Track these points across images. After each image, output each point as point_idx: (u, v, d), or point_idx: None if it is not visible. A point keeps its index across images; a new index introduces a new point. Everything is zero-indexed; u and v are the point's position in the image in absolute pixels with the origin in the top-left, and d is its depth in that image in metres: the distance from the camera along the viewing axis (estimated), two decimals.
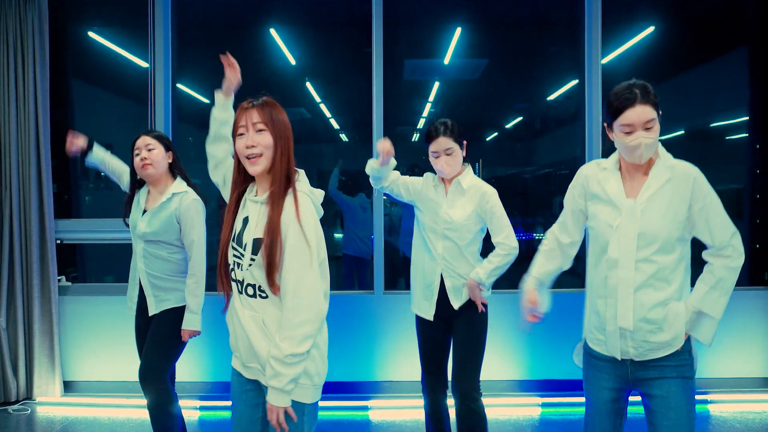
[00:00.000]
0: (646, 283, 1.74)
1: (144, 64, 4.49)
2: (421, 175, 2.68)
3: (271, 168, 1.65)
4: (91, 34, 4.45)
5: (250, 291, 1.66)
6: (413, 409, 3.63)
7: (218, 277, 1.73)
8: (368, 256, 4.94)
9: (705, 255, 1.81)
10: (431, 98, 5.48)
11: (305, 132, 5.44)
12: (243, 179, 1.73)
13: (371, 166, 2.60)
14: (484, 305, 2.53)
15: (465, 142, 2.55)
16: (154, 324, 2.53)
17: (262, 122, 1.63)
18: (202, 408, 3.66)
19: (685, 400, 1.75)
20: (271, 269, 1.59)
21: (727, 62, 4.41)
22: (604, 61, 4.39)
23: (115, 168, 2.80)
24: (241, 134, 1.64)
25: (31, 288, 3.81)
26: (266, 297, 1.65)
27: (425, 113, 5.66)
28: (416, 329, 2.68)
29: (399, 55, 4.53)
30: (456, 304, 2.53)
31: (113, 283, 4.13)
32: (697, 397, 3.66)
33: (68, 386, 3.95)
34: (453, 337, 2.59)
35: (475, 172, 5.71)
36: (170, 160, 2.55)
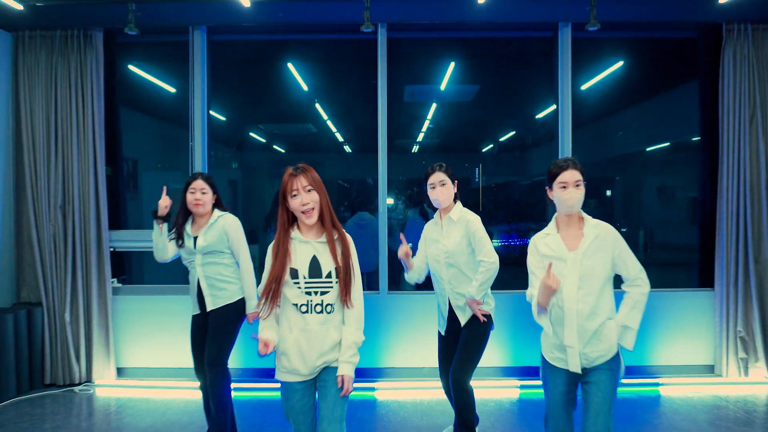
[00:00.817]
0: (589, 311, 2.41)
1: (171, 89, 5.18)
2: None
3: (320, 217, 2.34)
4: (131, 67, 5.12)
5: (319, 309, 2.30)
6: (412, 390, 4.34)
7: (266, 300, 2.30)
8: (371, 268, 5.30)
9: (623, 286, 2.51)
10: (429, 116, 6.09)
11: (310, 143, 6.04)
12: (287, 231, 2.36)
13: (411, 277, 3.25)
14: (486, 316, 3.13)
15: (456, 181, 3.16)
16: (213, 319, 3.19)
17: (309, 184, 2.31)
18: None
19: (610, 383, 2.43)
20: (349, 288, 2.30)
21: (684, 92, 5.08)
22: (584, 87, 5.07)
23: (164, 245, 3.30)
24: (295, 195, 2.30)
25: (90, 289, 4.51)
26: (332, 312, 2.32)
27: (424, 128, 6.28)
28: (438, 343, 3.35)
29: (399, 82, 5.16)
30: (462, 320, 3.16)
31: (156, 284, 4.82)
32: (649, 380, 4.40)
33: (121, 371, 4.66)
34: (460, 341, 3.20)
35: (475, 178, 6.29)
36: (213, 201, 3.26)
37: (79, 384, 4.50)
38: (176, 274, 4.85)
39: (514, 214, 6.02)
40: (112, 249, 4.63)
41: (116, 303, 4.65)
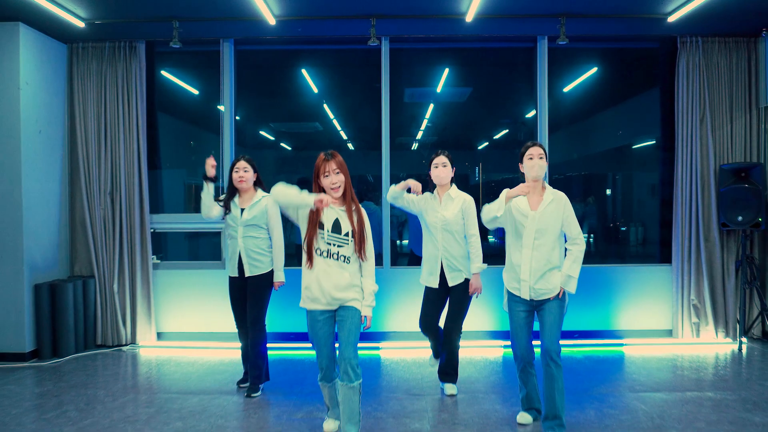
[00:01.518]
0: (540, 256, 3.17)
1: (195, 91, 5.88)
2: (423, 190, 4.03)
3: (343, 192, 3.08)
4: (164, 73, 5.84)
5: (342, 259, 3.03)
6: (410, 349, 5.09)
7: (307, 252, 3.04)
8: (376, 251, 6.08)
9: (567, 244, 3.27)
10: (427, 116, 6.79)
11: (316, 141, 6.65)
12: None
13: (393, 191, 3.91)
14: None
15: (454, 168, 3.93)
16: (252, 286, 3.90)
17: (337, 167, 3.04)
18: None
19: (558, 309, 3.20)
20: (362, 246, 3.03)
21: (647, 97, 5.84)
22: (566, 89, 5.81)
23: (210, 203, 3.96)
24: (327, 175, 3.03)
25: (135, 264, 5.25)
26: (350, 262, 3.05)
27: (422, 127, 6.97)
28: (423, 297, 4.02)
29: (400, 85, 5.88)
30: (450, 281, 3.89)
31: (188, 261, 5.56)
32: (615, 341, 5.12)
33: (160, 335, 5.40)
34: (449, 301, 3.95)
35: (475, 176, 6.97)
36: (255, 179, 3.98)
37: (126, 345, 5.24)
38: (204, 251, 5.60)
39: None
40: (152, 230, 5.37)
41: (156, 276, 5.39)
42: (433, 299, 4.00)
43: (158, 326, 5.40)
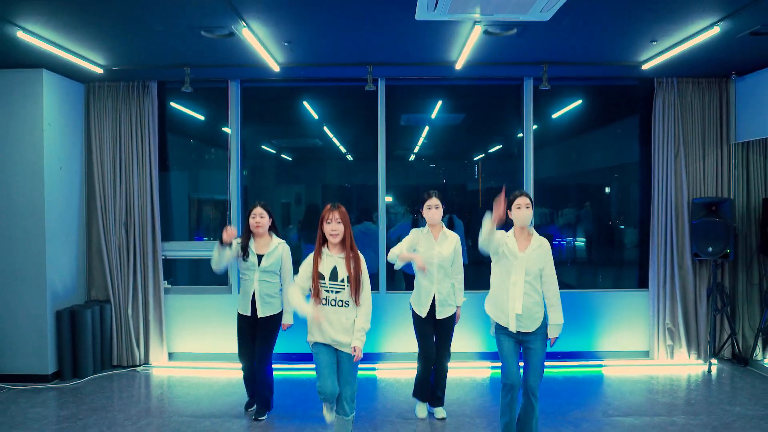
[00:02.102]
0: (528, 292, 3.55)
1: (201, 117, 6.22)
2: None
3: (342, 240, 3.46)
4: (173, 104, 6.19)
5: (340, 304, 3.41)
6: (406, 370, 5.47)
7: (314, 296, 3.44)
8: (372, 271, 6.17)
9: (544, 287, 3.62)
10: (423, 134, 7.10)
11: (316, 156, 6.95)
12: (321, 246, 3.49)
13: (393, 256, 4.21)
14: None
15: (444, 207, 4.30)
16: (263, 324, 4.25)
17: (339, 218, 3.43)
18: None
19: (543, 350, 3.59)
20: (358, 292, 3.41)
21: (627, 124, 6.22)
22: (555, 115, 6.17)
23: (221, 261, 4.28)
24: (329, 222, 3.42)
25: (147, 289, 5.63)
26: (348, 306, 3.43)
27: (419, 143, 7.28)
28: (414, 322, 4.38)
29: (396, 113, 6.22)
30: (439, 313, 4.25)
31: (196, 285, 5.94)
32: (595, 362, 5.50)
33: (171, 355, 5.79)
34: (439, 330, 4.33)
35: (476, 183, 7.12)
36: (270, 224, 4.33)
37: (140, 365, 5.63)
38: (205, 276, 5.99)
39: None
40: (163, 257, 5.75)
41: (167, 300, 5.77)
42: (427, 328, 4.33)
43: (169, 347, 5.78)
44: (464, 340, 5.63)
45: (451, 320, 4.35)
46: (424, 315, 4.28)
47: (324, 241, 3.49)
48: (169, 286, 5.83)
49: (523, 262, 3.56)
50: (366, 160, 6.19)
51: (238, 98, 5.84)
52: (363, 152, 6.47)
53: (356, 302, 3.44)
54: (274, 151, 7.01)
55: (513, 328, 3.56)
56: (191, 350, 5.80)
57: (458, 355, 5.52)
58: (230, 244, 4.23)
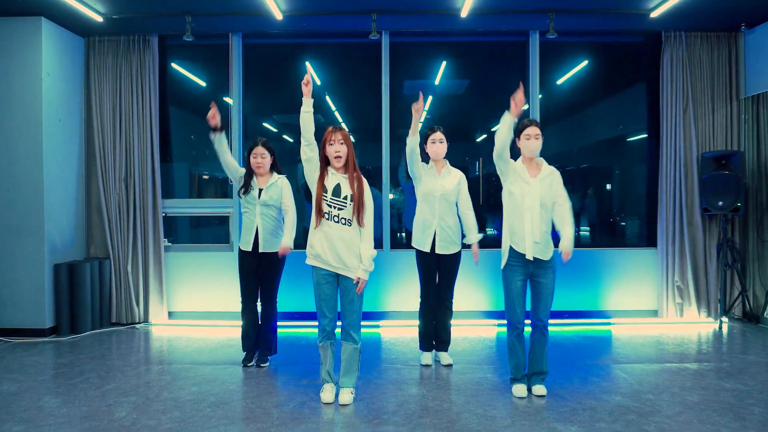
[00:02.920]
0: (542, 219, 3.45)
1: (203, 83, 6.13)
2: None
3: (346, 162, 3.38)
4: (173, 65, 6.11)
5: (343, 222, 3.33)
6: (409, 327, 5.37)
7: (316, 211, 3.36)
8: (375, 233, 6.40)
9: (557, 208, 3.54)
10: (426, 107, 7.04)
11: (318, 132, 6.86)
12: (325, 165, 3.42)
13: (413, 140, 4.02)
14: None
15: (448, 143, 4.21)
16: (266, 262, 4.15)
17: (342, 138, 3.35)
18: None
19: (552, 283, 3.50)
20: (360, 211, 3.32)
21: (635, 88, 6.12)
22: (559, 81, 6.07)
23: (229, 161, 4.24)
24: (332, 144, 3.35)
25: (147, 246, 5.54)
26: (351, 225, 3.35)
27: (422, 118, 7.21)
28: (417, 260, 4.26)
29: (400, 78, 6.15)
30: (442, 250, 4.13)
31: (197, 244, 5.84)
32: (603, 321, 5.40)
33: (171, 314, 5.69)
34: (441, 271, 4.21)
35: (476, 170, 7.21)
36: (272, 162, 4.23)
37: (139, 323, 5.54)
38: (207, 236, 5.89)
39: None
40: (164, 214, 5.66)
41: (167, 258, 5.68)
42: (430, 266, 4.20)
43: (169, 306, 5.69)
44: (470, 299, 5.54)
45: (455, 261, 4.22)
46: (427, 249, 4.16)
47: (327, 162, 3.42)
48: (170, 244, 5.74)
49: (537, 188, 3.47)
50: (369, 142, 6.10)
51: (240, 55, 5.75)
52: (366, 128, 6.38)
53: (359, 222, 3.36)
54: (275, 130, 6.95)
55: (530, 254, 3.45)
56: (191, 309, 5.70)
57: (465, 314, 5.44)
58: (222, 128, 4.09)
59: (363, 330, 5.15)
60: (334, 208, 3.34)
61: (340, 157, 3.35)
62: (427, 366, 4.27)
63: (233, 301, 5.14)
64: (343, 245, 3.34)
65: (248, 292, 4.25)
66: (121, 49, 5.55)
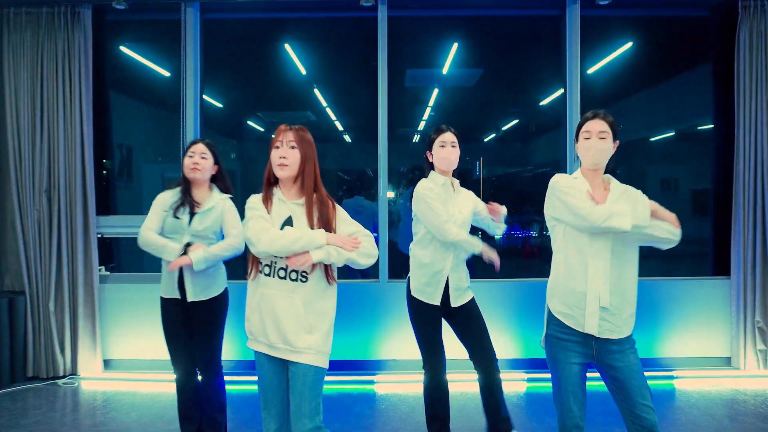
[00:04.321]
0: (617, 271, 2.19)
1: (166, 73, 4.96)
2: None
3: (297, 177, 2.15)
4: (123, 48, 4.93)
5: (294, 277, 2.10)
6: (414, 383, 4.12)
7: (251, 261, 2.16)
8: None
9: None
10: (431, 103, 5.91)
11: (310, 133, 5.84)
12: (269, 187, 2.19)
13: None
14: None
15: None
16: (199, 315, 2.90)
17: (294, 140, 2.13)
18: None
19: (638, 361, 2.22)
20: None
21: (696, 74, 4.89)
22: (590, 71, 4.86)
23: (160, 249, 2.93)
24: (277, 146, 2.13)
25: (76, 277, 4.31)
26: (306, 282, 2.11)
27: (425, 117, 6.09)
28: (415, 314, 2.98)
29: (401, 65, 4.98)
30: (457, 302, 2.90)
31: (146, 273, 4.60)
32: (663, 373, 4.19)
33: (108, 364, 4.45)
34: (466, 325, 2.95)
35: (476, 171, 6.12)
36: (214, 172, 2.98)
37: (64, 377, 4.29)
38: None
39: (516, 206, 5.84)
40: (99, 235, 4.43)
41: (103, 292, 4.45)
42: (436, 322, 2.95)
43: (105, 353, 4.44)
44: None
45: (474, 305, 2.99)
46: (436, 302, 2.92)
47: (274, 181, 2.20)
48: (108, 273, 4.51)
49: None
50: (365, 143, 5.07)
51: (197, 31, 4.53)
52: (361, 126, 5.34)
53: (328, 277, 2.15)
54: (263, 129, 5.85)
55: (593, 330, 2.20)
56: (135, 357, 4.46)
57: None
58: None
59: (351, 386, 4.00)
60: (282, 257, 2.11)
61: (285, 165, 2.13)
62: None
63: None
64: (290, 314, 2.11)
65: (180, 357, 2.97)
66: (44, 24, 4.32)
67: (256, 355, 2.18)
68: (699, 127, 5.04)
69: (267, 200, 2.17)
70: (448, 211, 2.88)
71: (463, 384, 3.95)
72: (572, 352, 2.25)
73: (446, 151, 2.90)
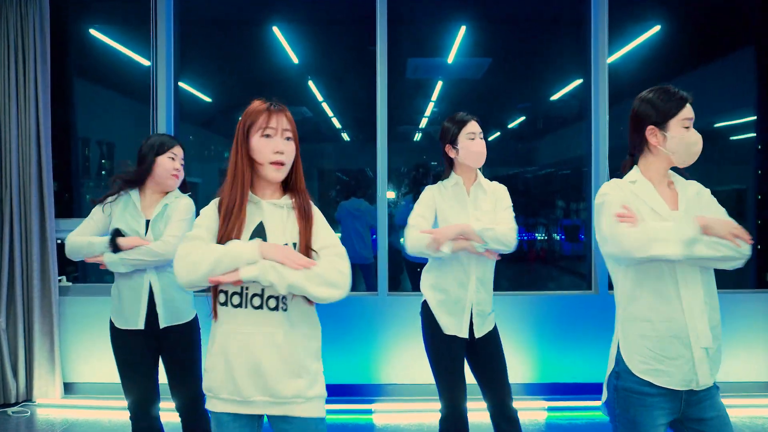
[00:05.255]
0: (711, 295, 1.70)
1: (146, 62, 4.45)
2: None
3: (289, 175, 1.64)
4: (92, 31, 4.43)
5: (272, 305, 1.58)
6: (417, 413, 3.61)
7: (212, 295, 1.63)
8: (366, 261, 4.87)
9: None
10: (434, 97, 5.45)
11: (307, 131, 5.42)
12: (241, 189, 1.62)
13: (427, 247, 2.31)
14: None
15: None
16: (172, 344, 2.42)
17: (291, 131, 1.62)
18: None
19: (725, 412, 1.71)
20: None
21: (734, 61, 4.40)
22: (610, 60, 4.36)
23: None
24: (268, 134, 1.60)
25: (32, 288, 3.78)
26: (286, 310, 1.59)
27: (428, 112, 5.64)
28: (432, 345, 2.44)
29: (402, 53, 4.49)
30: (481, 332, 2.39)
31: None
32: None
33: (68, 388, 3.92)
34: (484, 359, 2.45)
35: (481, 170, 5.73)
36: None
37: (16, 404, 3.75)
38: None
39: (522, 208, 5.51)
40: (59, 241, 3.89)
41: (64, 305, 3.92)
42: (457, 356, 2.41)
43: (65, 375, 3.91)
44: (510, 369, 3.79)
45: (496, 337, 2.45)
46: (463, 333, 2.38)
47: (248, 178, 1.64)
48: (69, 284, 3.98)
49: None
50: (364, 142, 4.86)
51: (170, 8, 4.00)
52: (360, 122, 5.08)
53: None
54: None
55: (704, 380, 1.67)
56: (100, 380, 3.92)
57: None
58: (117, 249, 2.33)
59: (346, 416, 3.55)
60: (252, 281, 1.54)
61: (282, 163, 1.60)
62: None
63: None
64: (271, 354, 1.58)
65: (140, 396, 2.44)
66: None
67: (215, 418, 1.64)
68: (737, 120, 4.55)
69: (241, 207, 1.60)
70: (452, 217, 2.36)
71: (521, 413, 3.47)
72: (658, 411, 1.71)
73: (478, 144, 2.38)
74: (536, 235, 5.51)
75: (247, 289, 1.58)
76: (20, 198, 3.77)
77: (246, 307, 1.58)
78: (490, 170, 5.26)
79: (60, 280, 3.90)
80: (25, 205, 3.78)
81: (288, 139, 1.61)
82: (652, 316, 1.70)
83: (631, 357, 1.73)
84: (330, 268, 1.54)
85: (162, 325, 2.38)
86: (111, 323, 2.45)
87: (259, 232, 1.60)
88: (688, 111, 1.74)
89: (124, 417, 3.55)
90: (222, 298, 1.60)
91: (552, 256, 5.27)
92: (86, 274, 4.27)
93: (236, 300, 1.59)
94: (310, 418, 1.61)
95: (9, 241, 3.76)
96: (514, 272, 5.26)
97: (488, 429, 2.49)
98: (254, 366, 1.56)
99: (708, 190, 1.82)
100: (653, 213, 1.73)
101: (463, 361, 2.44)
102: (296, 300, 1.60)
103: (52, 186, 3.82)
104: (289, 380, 1.58)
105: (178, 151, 2.45)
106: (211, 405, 1.63)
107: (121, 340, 2.43)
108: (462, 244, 2.26)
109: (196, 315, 2.51)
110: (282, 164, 1.60)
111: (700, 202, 1.78)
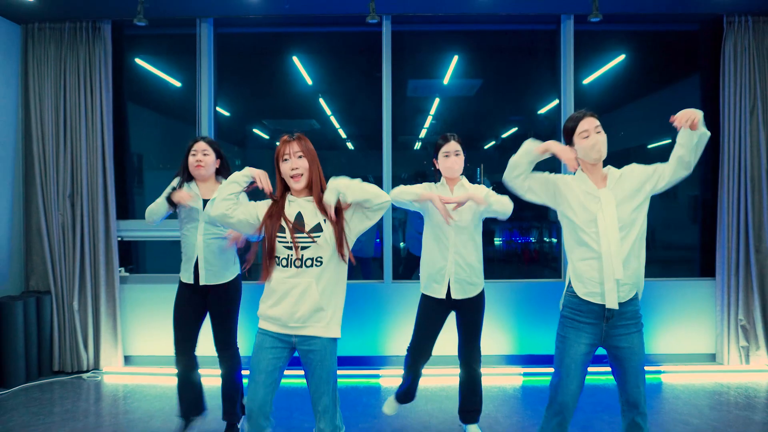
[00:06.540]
0: (629, 247, 2.40)
1: (177, 83, 5.18)
2: (423, 182, 3.30)
3: (309, 182, 2.38)
4: (138, 60, 5.16)
5: (309, 263, 2.30)
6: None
7: (268, 256, 2.32)
8: (366, 256, 5.48)
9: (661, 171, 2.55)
10: (432, 112, 6.12)
11: (314, 141, 6.01)
12: (283, 193, 2.42)
13: (405, 194, 3.08)
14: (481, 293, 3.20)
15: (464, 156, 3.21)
16: (215, 299, 3.16)
17: (300, 150, 2.36)
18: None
19: (641, 343, 2.44)
20: (341, 241, 2.31)
21: (684, 86, 5.13)
22: (586, 81, 5.11)
23: (160, 209, 3.19)
24: (286, 160, 2.36)
25: (98, 278, 4.57)
26: (321, 265, 2.32)
27: (426, 125, 6.31)
28: (421, 306, 3.22)
29: (403, 75, 5.20)
30: (459, 295, 3.10)
31: (162, 273, 4.86)
32: (651, 368, 4.43)
33: (127, 359, 4.72)
34: (460, 322, 3.19)
35: (477, 177, 6.35)
36: (218, 166, 3.23)
37: (87, 371, 4.56)
38: (176, 262, 4.90)
39: (517, 212, 5.94)
40: (119, 238, 4.69)
41: (123, 292, 4.70)
42: (434, 316, 3.18)
43: (126, 349, 4.72)
44: (487, 342, 4.55)
45: (478, 306, 3.18)
46: (442, 295, 3.14)
47: (285, 188, 2.44)
48: (127, 274, 4.76)
49: (611, 199, 2.43)
50: (368, 150, 5.21)
51: (211, 45, 4.78)
52: (365, 134, 5.50)
53: (341, 254, 2.35)
54: (267, 137, 6.05)
55: (613, 303, 2.38)
56: (154, 353, 4.72)
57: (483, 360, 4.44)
58: (175, 207, 3.18)
59: (358, 380, 4.21)
60: (299, 248, 2.31)
61: (299, 175, 2.35)
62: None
63: (206, 343, 4.16)
64: (308, 302, 2.31)
65: (182, 337, 3.21)
66: (66, 38, 4.57)
67: (260, 334, 2.37)
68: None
69: (282, 207, 2.36)
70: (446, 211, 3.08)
71: (502, 378, 4.28)
72: (583, 333, 2.45)
73: (450, 161, 3.13)
74: (531, 238, 6.07)
75: (291, 255, 2.31)
76: (89, 203, 4.56)
77: (290, 266, 2.30)
78: (489, 176, 5.89)
79: (120, 271, 4.68)
80: (93, 209, 4.57)
81: (300, 157, 2.35)
82: (580, 253, 2.49)
83: (575, 282, 2.50)
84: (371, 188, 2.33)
85: (201, 282, 3.15)
86: (179, 281, 3.25)
87: (299, 218, 2.34)
88: (584, 124, 2.47)
89: (172, 383, 4.34)
90: (276, 261, 2.34)
91: (545, 257, 5.88)
92: (139, 267, 5.03)
93: (284, 263, 2.32)
94: (324, 339, 2.33)
95: (80, 238, 4.55)
96: (510, 272, 5.90)
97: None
98: (293, 301, 2.29)
99: (629, 166, 2.55)
100: (586, 193, 2.48)
101: (442, 318, 3.20)
102: (329, 261, 2.32)
103: (114, 193, 4.60)
104: (311, 310, 2.30)
105: (197, 146, 3.17)
106: (262, 324, 2.38)
107: (179, 290, 3.24)
108: (429, 195, 3.00)
109: (238, 275, 3.26)
110: (299, 176, 2.35)
111: (622, 176, 2.50)
